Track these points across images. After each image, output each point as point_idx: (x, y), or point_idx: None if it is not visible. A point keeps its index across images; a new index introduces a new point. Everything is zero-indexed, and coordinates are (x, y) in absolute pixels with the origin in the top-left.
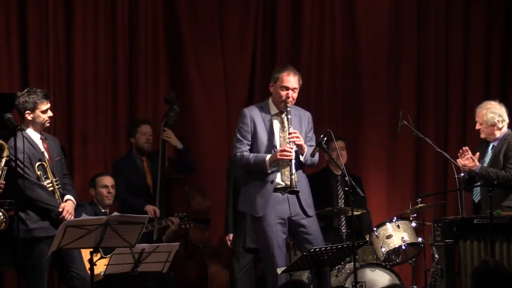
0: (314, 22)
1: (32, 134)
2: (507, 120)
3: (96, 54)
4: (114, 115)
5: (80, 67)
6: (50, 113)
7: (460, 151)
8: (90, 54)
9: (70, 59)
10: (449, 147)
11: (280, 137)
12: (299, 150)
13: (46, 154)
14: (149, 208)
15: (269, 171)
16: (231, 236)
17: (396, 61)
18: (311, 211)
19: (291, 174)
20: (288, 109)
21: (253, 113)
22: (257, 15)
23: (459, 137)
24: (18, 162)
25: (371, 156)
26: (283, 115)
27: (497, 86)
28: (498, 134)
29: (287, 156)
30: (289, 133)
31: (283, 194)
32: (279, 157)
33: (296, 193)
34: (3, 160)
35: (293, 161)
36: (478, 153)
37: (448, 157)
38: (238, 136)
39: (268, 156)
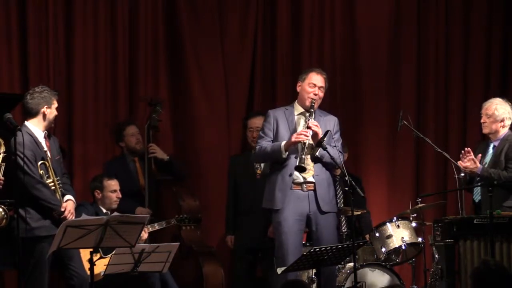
0: (314, 22)
1: (36, 132)
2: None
3: (96, 54)
4: (114, 115)
5: (80, 67)
6: (56, 112)
7: (462, 152)
8: (90, 54)
9: (70, 59)
10: (449, 147)
11: None
12: (313, 139)
13: (48, 153)
14: (138, 211)
15: (284, 156)
16: (231, 237)
17: (396, 61)
18: (326, 207)
19: (301, 154)
20: (313, 103)
21: (277, 113)
22: (257, 15)
23: (459, 137)
24: (19, 158)
25: (371, 156)
26: (307, 114)
27: (497, 86)
28: (500, 132)
29: (302, 138)
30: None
31: (303, 191)
32: (294, 139)
33: (302, 169)
34: (0, 156)
35: (306, 143)
36: (480, 155)
37: (448, 157)
38: (261, 133)
39: (284, 142)
